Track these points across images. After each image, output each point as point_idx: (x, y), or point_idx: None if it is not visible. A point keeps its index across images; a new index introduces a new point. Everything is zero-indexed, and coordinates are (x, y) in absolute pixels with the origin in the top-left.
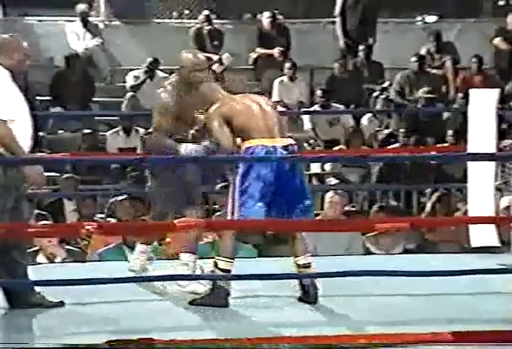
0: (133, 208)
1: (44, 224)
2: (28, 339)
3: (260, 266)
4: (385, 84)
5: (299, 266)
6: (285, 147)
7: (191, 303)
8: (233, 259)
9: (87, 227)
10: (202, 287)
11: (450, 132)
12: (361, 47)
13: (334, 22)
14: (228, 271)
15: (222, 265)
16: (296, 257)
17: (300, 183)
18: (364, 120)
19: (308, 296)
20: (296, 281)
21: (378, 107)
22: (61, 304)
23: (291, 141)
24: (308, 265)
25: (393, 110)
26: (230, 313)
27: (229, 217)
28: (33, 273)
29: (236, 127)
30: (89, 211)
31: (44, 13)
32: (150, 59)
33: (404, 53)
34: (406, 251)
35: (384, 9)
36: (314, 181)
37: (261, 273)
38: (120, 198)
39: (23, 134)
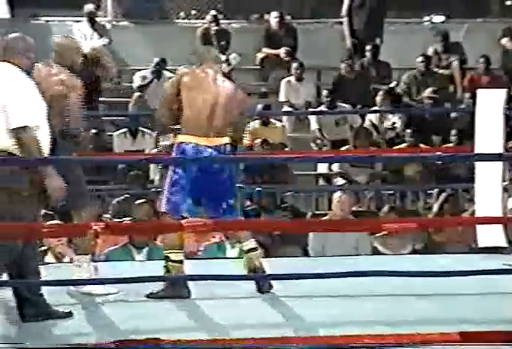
0: (152, 210)
1: (52, 224)
2: (32, 340)
3: (266, 266)
4: (392, 84)
5: (245, 252)
6: (216, 147)
7: (148, 296)
8: (181, 249)
9: (94, 227)
10: (100, 288)
11: (455, 132)
12: (368, 47)
13: (341, 23)
14: (181, 261)
15: (173, 256)
16: (241, 242)
17: (226, 183)
18: (372, 119)
19: (262, 287)
20: (303, 281)
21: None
22: (69, 314)
23: (225, 140)
24: (254, 249)
25: (400, 110)
26: (236, 312)
27: (163, 209)
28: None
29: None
30: (96, 211)
31: (51, 14)
32: (157, 60)
33: (411, 53)
34: (413, 252)
35: (391, 9)
36: (321, 181)
37: (268, 273)
38: (140, 201)
39: (43, 141)
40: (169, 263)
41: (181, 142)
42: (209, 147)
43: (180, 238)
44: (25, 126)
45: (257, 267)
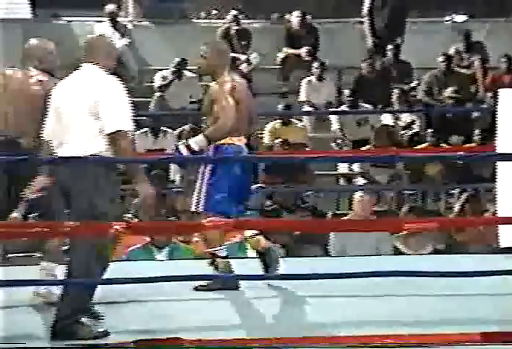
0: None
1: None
2: (54, 339)
3: (287, 266)
4: (413, 84)
5: (247, 239)
6: (247, 145)
7: (197, 289)
8: (223, 245)
9: (116, 226)
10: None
11: (477, 132)
12: (389, 47)
13: (362, 22)
14: (227, 257)
15: (219, 253)
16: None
17: (251, 181)
18: (386, 120)
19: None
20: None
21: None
22: (106, 333)
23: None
24: (255, 234)
25: (420, 109)
26: (257, 312)
27: (193, 208)
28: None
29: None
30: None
31: (73, 14)
32: (177, 60)
33: (432, 52)
34: (435, 252)
35: (413, 8)
36: (342, 181)
37: (289, 273)
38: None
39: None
40: (218, 260)
41: (222, 144)
42: (243, 146)
43: (222, 235)
44: (120, 131)
45: (264, 249)
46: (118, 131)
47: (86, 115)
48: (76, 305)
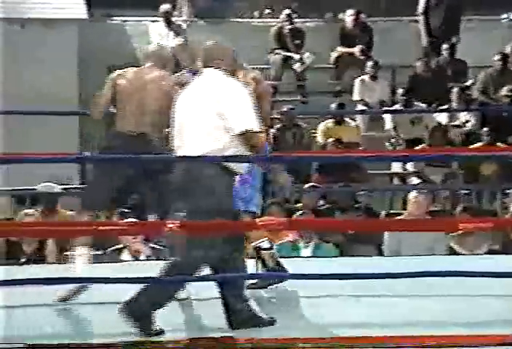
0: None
1: (129, 222)
2: (83, 335)
3: (341, 265)
4: (468, 83)
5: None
6: None
7: (250, 287)
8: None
9: (170, 225)
10: None
11: None
12: (445, 46)
13: (416, 21)
14: (271, 248)
15: (264, 245)
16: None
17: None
18: (442, 118)
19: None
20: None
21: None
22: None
23: None
24: (269, 248)
25: (475, 108)
26: (312, 311)
27: (242, 208)
28: (117, 271)
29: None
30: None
31: (128, 13)
32: None
33: (488, 51)
34: (490, 252)
35: (468, 6)
36: (396, 180)
37: (342, 272)
38: None
39: None
40: (262, 252)
41: None
42: None
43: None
44: (250, 130)
45: (271, 266)
46: (247, 130)
47: (212, 116)
48: (154, 301)
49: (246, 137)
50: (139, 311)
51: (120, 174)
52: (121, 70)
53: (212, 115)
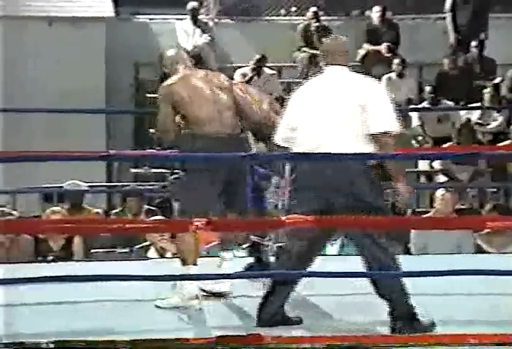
0: None
1: (155, 219)
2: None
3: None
4: (497, 80)
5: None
6: None
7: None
8: None
9: (196, 223)
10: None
11: None
12: (473, 43)
13: (443, 18)
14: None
15: None
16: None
17: None
18: (474, 117)
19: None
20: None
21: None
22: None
23: None
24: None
25: (504, 106)
26: (337, 309)
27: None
28: (143, 268)
29: None
30: None
31: (155, 11)
32: (257, 56)
33: None
34: None
35: (496, 3)
36: (422, 178)
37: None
38: None
39: None
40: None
41: None
42: None
43: None
44: (388, 132)
45: None
46: (385, 132)
47: (352, 115)
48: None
49: (381, 138)
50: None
51: (221, 176)
52: (167, 82)
53: (354, 113)
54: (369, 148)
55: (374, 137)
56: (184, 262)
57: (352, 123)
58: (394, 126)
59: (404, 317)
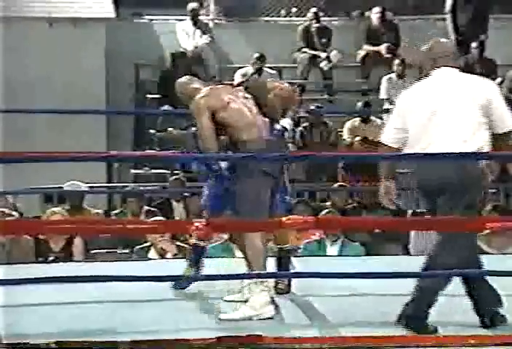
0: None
1: (155, 220)
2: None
3: (368, 265)
4: (497, 81)
5: None
6: None
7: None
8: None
9: (196, 224)
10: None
11: None
12: (474, 44)
13: (444, 19)
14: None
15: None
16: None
17: None
18: None
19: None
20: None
21: None
22: (436, 330)
23: None
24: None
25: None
26: (337, 310)
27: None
28: (144, 269)
29: None
30: (197, 208)
31: (155, 12)
32: (256, 56)
33: None
34: None
35: (496, 4)
36: None
37: (369, 271)
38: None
39: None
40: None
41: None
42: None
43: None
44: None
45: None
46: (510, 131)
47: (473, 115)
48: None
49: (504, 137)
50: (418, 311)
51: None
52: (200, 95)
53: (475, 113)
54: (487, 147)
55: (497, 137)
56: (250, 267)
57: (472, 122)
58: None
59: (413, 315)
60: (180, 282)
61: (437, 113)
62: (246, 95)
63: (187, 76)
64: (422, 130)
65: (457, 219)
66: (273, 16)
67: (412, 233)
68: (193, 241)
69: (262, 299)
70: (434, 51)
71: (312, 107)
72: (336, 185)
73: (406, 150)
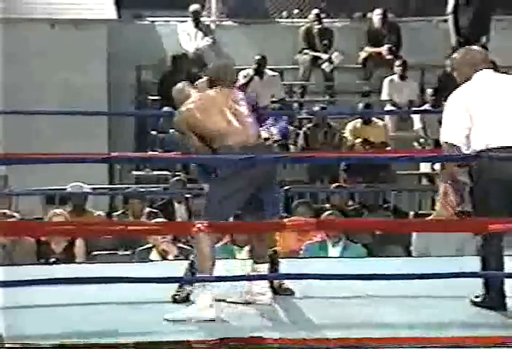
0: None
1: (157, 222)
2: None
3: (370, 266)
4: None
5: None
6: None
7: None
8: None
9: (198, 225)
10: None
11: None
12: (475, 45)
13: (445, 20)
14: None
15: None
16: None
17: None
18: None
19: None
20: (405, 281)
21: None
22: None
23: None
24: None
25: None
26: (338, 312)
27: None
28: (145, 270)
29: None
30: (198, 209)
31: (157, 14)
32: (257, 57)
33: None
34: None
35: (499, 6)
36: (424, 181)
37: (370, 272)
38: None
39: None
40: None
41: None
42: None
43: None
44: None
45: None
46: None
47: None
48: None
49: None
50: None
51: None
52: (181, 109)
53: None
54: None
55: None
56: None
57: None
58: None
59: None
60: None
61: (498, 109)
62: (242, 96)
63: (183, 82)
64: (487, 127)
65: (457, 221)
66: (274, 17)
67: (414, 235)
68: None
69: (205, 302)
70: (476, 58)
71: (316, 108)
72: (333, 186)
73: (474, 147)
